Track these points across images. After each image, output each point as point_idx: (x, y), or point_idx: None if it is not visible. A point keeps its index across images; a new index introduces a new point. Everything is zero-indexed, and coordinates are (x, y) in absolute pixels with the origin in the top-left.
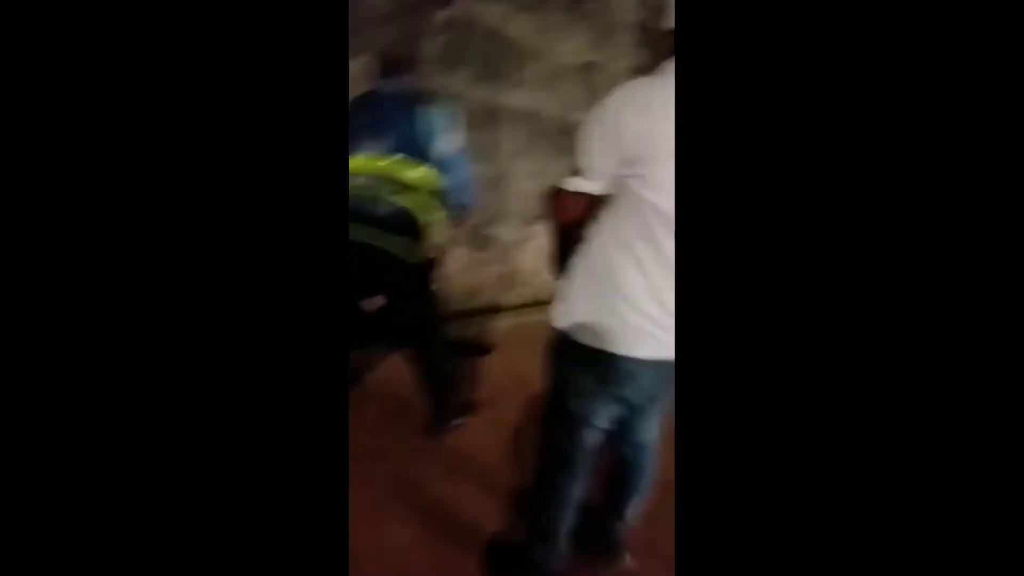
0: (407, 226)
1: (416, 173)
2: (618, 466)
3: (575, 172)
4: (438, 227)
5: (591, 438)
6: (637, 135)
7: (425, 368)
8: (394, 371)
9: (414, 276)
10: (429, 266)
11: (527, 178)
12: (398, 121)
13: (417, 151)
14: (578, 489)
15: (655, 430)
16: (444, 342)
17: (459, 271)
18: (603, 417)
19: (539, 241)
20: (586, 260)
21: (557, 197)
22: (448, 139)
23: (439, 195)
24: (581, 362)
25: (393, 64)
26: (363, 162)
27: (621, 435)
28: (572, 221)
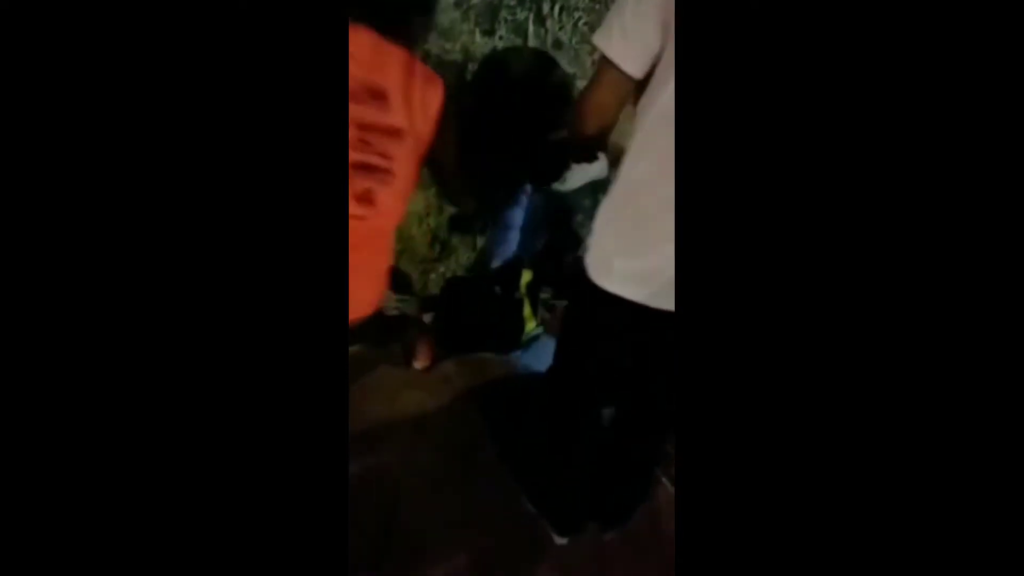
0: None
1: None
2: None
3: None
4: None
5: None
6: None
7: None
8: None
9: None
10: None
11: None
12: None
13: None
14: None
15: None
16: None
17: None
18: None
19: None
20: (623, 191)
21: (589, 94)
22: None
23: None
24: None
25: None
26: None
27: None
28: (599, 130)
